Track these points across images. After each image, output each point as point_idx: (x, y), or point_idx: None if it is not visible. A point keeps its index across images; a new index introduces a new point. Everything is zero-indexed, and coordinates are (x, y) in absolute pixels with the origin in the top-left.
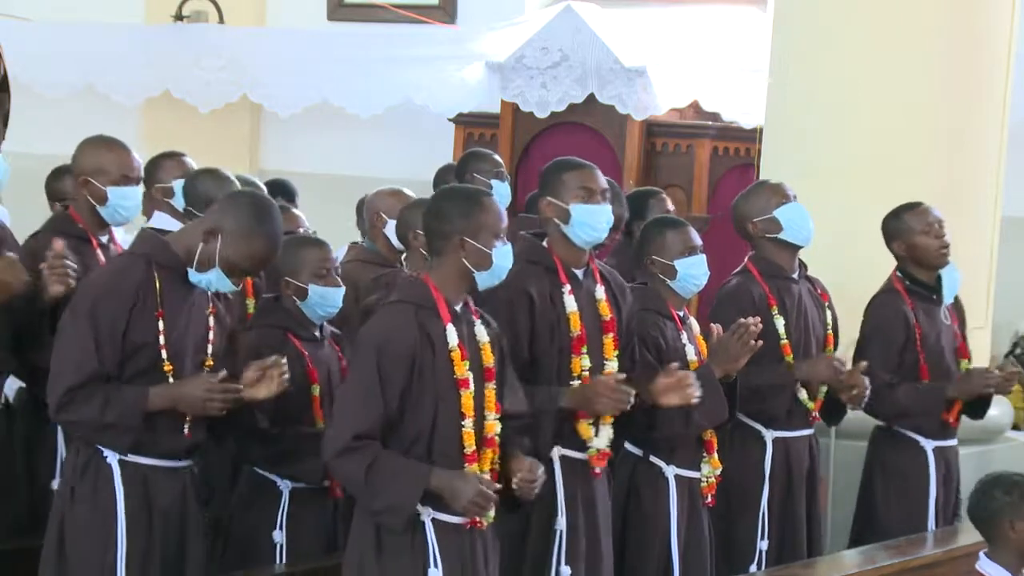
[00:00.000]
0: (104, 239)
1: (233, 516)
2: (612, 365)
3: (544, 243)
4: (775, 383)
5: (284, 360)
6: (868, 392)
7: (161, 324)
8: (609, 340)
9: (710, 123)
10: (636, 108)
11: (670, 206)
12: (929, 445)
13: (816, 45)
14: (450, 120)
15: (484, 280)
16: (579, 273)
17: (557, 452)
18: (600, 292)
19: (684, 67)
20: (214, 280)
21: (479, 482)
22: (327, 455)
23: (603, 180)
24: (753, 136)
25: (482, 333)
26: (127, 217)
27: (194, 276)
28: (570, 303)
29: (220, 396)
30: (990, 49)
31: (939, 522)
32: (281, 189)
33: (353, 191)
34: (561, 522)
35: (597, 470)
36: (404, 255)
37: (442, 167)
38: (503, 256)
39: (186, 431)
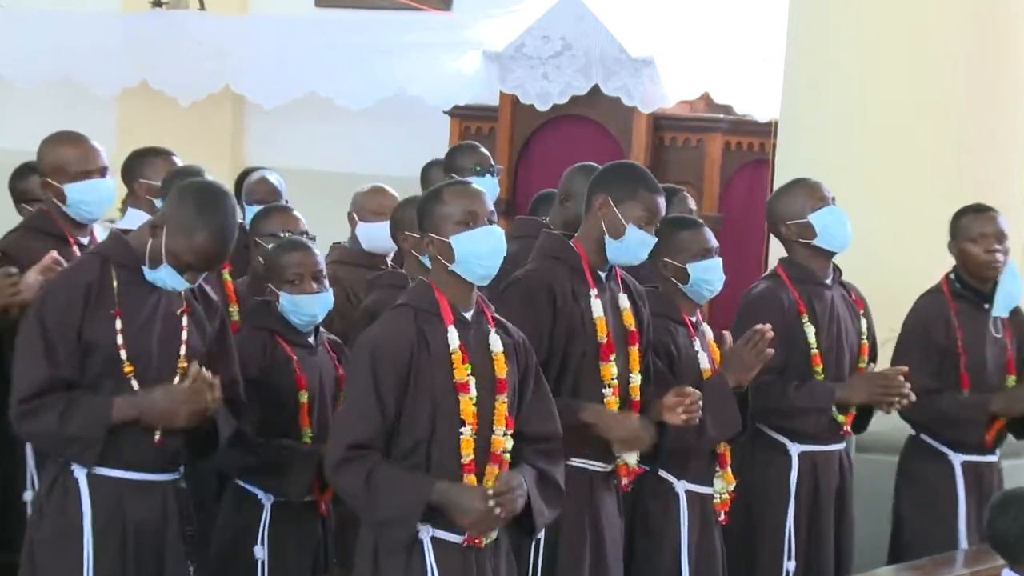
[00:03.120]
0: (85, 239)
1: (214, 530)
2: (636, 379)
3: (572, 242)
4: (812, 406)
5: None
6: (909, 399)
7: (118, 323)
8: (634, 352)
9: (722, 116)
10: (643, 100)
11: (692, 205)
12: (957, 459)
13: (835, 32)
14: (445, 113)
15: (466, 272)
16: (603, 276)
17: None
18: (624, 301)
19: (694, 57)
20: (166, 277)
21: (486, 497)
22: (327, 469)
23: (661, 207)
24: (768, 130)
25: (496, 342)
26: (93, 212)
27: (149, 273)
28: (596, 307)
29: (187, 408)
30: (1017, 41)
31: (971, 541)
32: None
33: (342, 188)
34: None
35: (625, 482)
36: (390, 256)
37: (428, 163)
38: (469, 242)
39: (156, 438)
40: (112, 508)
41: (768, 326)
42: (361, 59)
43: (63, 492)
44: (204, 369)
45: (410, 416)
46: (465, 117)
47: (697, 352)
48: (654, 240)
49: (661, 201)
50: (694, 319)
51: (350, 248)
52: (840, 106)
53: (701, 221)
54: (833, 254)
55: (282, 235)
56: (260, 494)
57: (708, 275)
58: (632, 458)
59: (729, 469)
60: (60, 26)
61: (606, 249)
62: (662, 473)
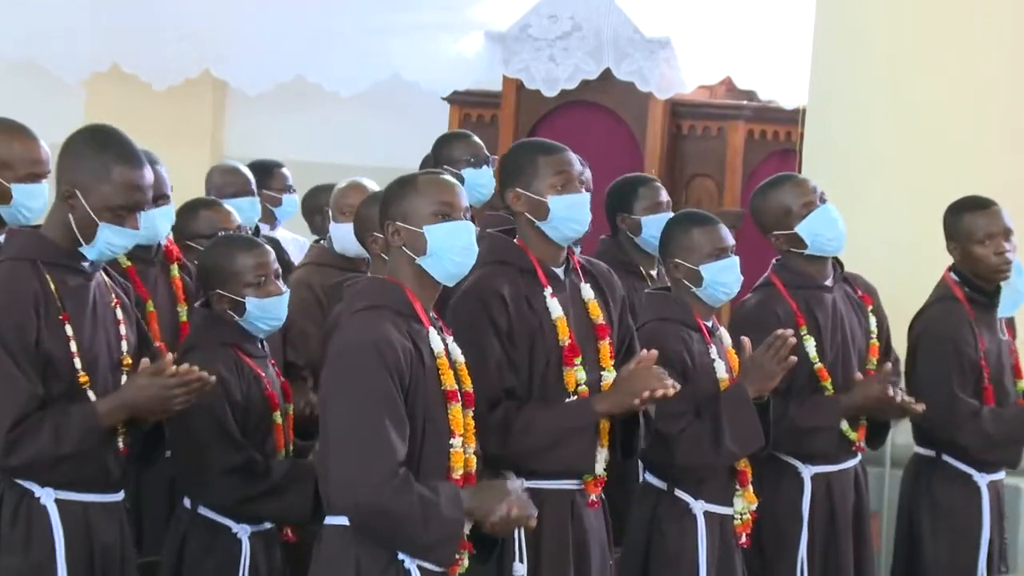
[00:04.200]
0: None
1: (183, 566)
2: (610, 376)
3: (515, 240)
4: (818, 425)
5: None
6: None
7: (69, 330)
8: (604, 347)
9: (745, 103)
10: (659, 85)
11: (663, 196)
12: (983, 480)
13: (869, 10)
14: (444, 99)
15: (436, 267)
16: (559, 272)
17: (520, 482)
18: (587, 292)
19: (715, 37)
20: (111, 237)
21: (510, 489)
22: (362, 492)
23: (578, 163)
24: (795, 117)
25: (457, 352)
26: (30, 219)
27: (91, 251)
28: (554, 308)
29: (181, 389)
30: None
31: (991, 567)
32: (260, 170)
33: (331, 181)
34: (519, 569)
35: (593, 498)
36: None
37: (428, 156)
38: (445, 234)
39: (120, 445)
40: (81, 534)
41: (790, 331)
42: (352, 41)
43: (27, 523)
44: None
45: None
46: (465, 103)
47: (713, 360)
48: (586, 196)
49: (565, 156)
50: (710, 324)
51: (328, 249)
52: (874, 91)
53: (715, 217)
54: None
55: (220, 235)
56: (235, 526)
57: (723, 276)
58: (599, 467)
59: (751, 488)
60: (23, 5)
61: (548, 235)
62: (678, 493)
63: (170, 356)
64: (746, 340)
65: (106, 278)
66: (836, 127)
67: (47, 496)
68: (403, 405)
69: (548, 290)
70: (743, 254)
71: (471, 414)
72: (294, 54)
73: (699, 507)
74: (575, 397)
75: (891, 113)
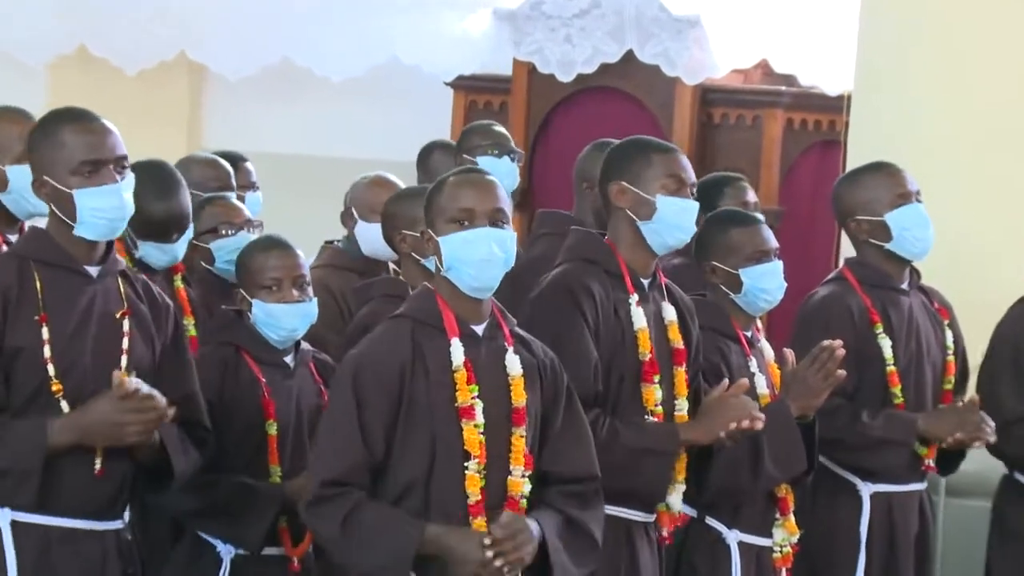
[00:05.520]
0: (14, 237)
1: None
2: (683, 406)
3: (605, 239)
4: (890, 439)
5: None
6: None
7: (46, 332)
8: (680, 374)
9: (783, 88)
10: (687, 69)
11: (751, 196)
12: None
13: None
14: (448, 84)
15: (457, 280)
16: (645, 284)
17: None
18: (671, 313)
19: (749, 16)
20: (93, 203)
21: (483, 546)
22: (302, 511)
23: (692, 171)
24: (839, 105)
25: (514, 363)
26: (35, 206)
27: (84, 229)
28: (639, 318)
29: (136, 417)
30: None
31: None
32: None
33: (322, 176)
34: None
35: (665, 533)
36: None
37: (427, 146)
38: (457, 245)
39: (97, 466)
40: (37, 565)
41: (838, 342)
42: (346, 20)
43: None
44: (141, 384)
45: (403, 450)
46: (471, 89)
47: (754, 374)
48: (695, 204)
49: (680, 158)
50: (749, 334)
51: (345, 250)
52: (927, 76)
53: (758, 217)
54: (909, 261)
55: (223, 231)
56: (220, 546)
57: (765, 282)
58: (676, 502)
59: (792, 516)
60: None
61: (646, 239)
62: (710, 521)
63: (130, 379)
64: (788, 352)
65: (125, 287)
66: (885, 115)
67: (3, 518)
68: (381, 426)
69: (634, 297)
70: (784, 259)
71: (520, 432)
72: (280, 35)
73: (733, 537)
74: (652, 419)
75: (947, 99)
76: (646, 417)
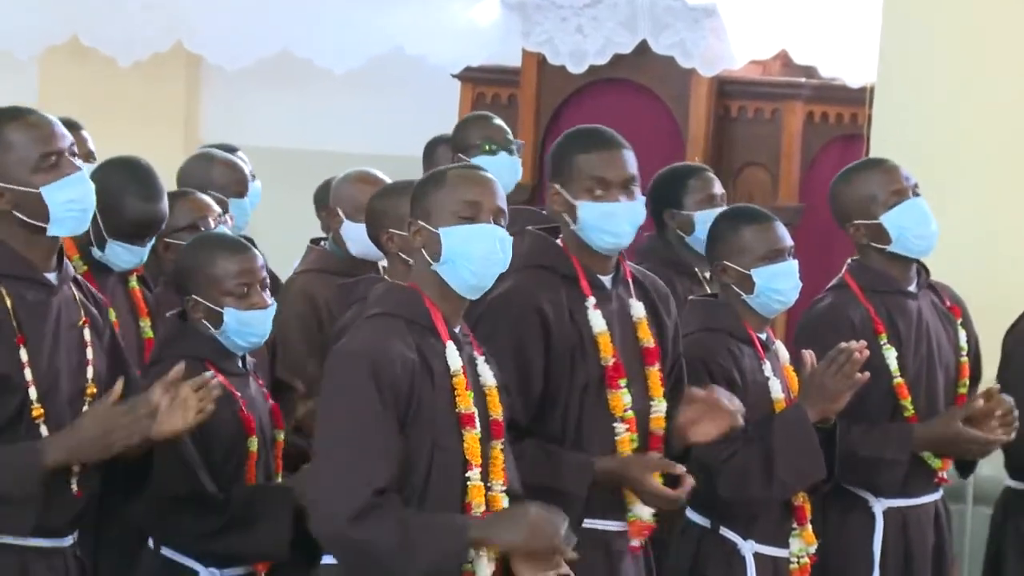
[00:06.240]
0: None
1: None
2: (659, 408)
3: (558, 241)
4: (881, 456)
5: (215, 379)
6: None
7: (24, 354)
8: (654, 374)
9: (803, 80)
10: (703, 60)
11: (717, 189)
12: None
13: None
14: (454, 76)
15: (451, 276)
16: (606, 280)
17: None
18: (638, 309)
19: (769, 5)
20: (64, 195)
21: (543, 517)
22: (336, 523)
23: (631, 166)
24: (861, 97)
25: (487, 374)
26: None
27: (58, 227)
28: (596, 321)
29: (124, 424)
30: None
31: None
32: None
33: (322, 172)
34: None
35: (635, 543)
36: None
37: (433, 140)
38: (462, 238)
39: (74, 488)
40: None
41: (863, 343)
42: (347, 9)
43: None
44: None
45: (405, 455)
46: (479, 81)
47: (768, 378)
48: (630, 203)
49: (611, 155)
50: (763, 337)
51: (332, 253)
52: (952, 67)
53: (770, 213)
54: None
55: (202, 228)
56: (201, 569)
57: (778, 282)
58: (646, 512)
59: (809, 526)
60: None
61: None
62: (724, 532)
63: (117, 392)
64: (807, 354)
65: (76, 293)
66: (909, 108)
67: None
68: (398, 426)
69: (591, 300)
70: (802, 257)
71: (499, 446)
72: (279, 25)
73: (748, 548)
74: (622, 425)
75: (973, 92)
76: (614, 426)
